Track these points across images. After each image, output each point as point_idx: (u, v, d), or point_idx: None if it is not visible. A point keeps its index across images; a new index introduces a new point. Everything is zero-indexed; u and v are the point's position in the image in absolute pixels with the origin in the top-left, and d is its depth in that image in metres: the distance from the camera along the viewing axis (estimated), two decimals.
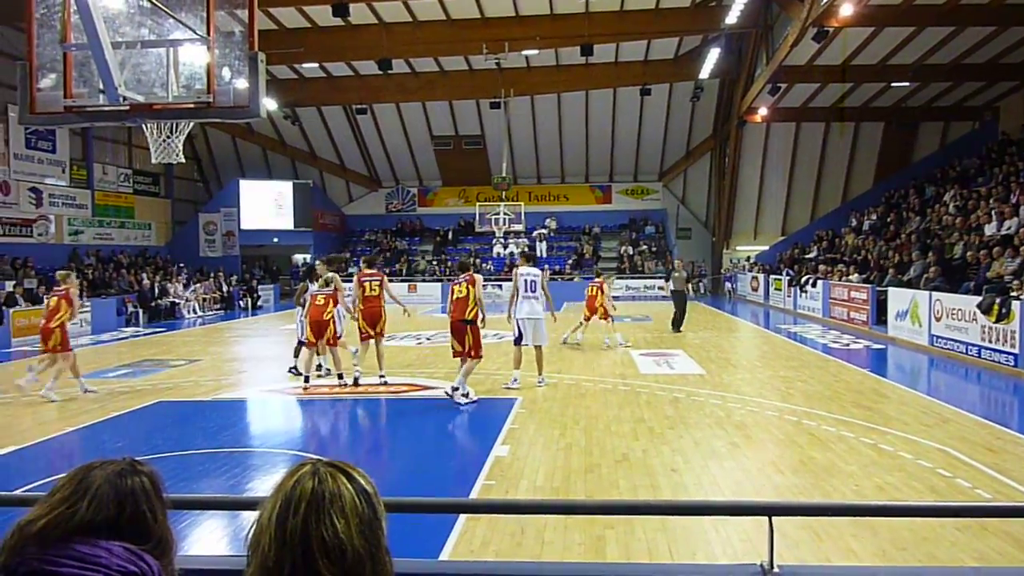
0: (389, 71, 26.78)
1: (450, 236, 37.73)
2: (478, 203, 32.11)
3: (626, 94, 31.33)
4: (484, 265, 35.07)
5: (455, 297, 10.77)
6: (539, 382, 11.40)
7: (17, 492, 6.18)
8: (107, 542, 1.34)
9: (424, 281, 34.06)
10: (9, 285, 20.21)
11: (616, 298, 31.28)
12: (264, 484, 7.09)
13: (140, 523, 1.41)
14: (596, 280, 16.75)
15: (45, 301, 11.21)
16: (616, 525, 5.32)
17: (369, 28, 24.83)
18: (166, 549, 1.44)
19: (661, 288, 19.80)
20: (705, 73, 28.01)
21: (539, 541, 5.14)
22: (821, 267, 23.82)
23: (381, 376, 11.56)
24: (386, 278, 12.07)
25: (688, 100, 31.65)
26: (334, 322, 11.53)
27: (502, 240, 31.57)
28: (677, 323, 18.96)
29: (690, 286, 34.02)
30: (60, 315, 10.93)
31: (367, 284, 11.66)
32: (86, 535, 1.34)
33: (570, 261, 35.60)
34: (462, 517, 5.44)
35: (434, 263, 35.91)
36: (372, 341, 11.66)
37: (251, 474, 7.36)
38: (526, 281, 11.50)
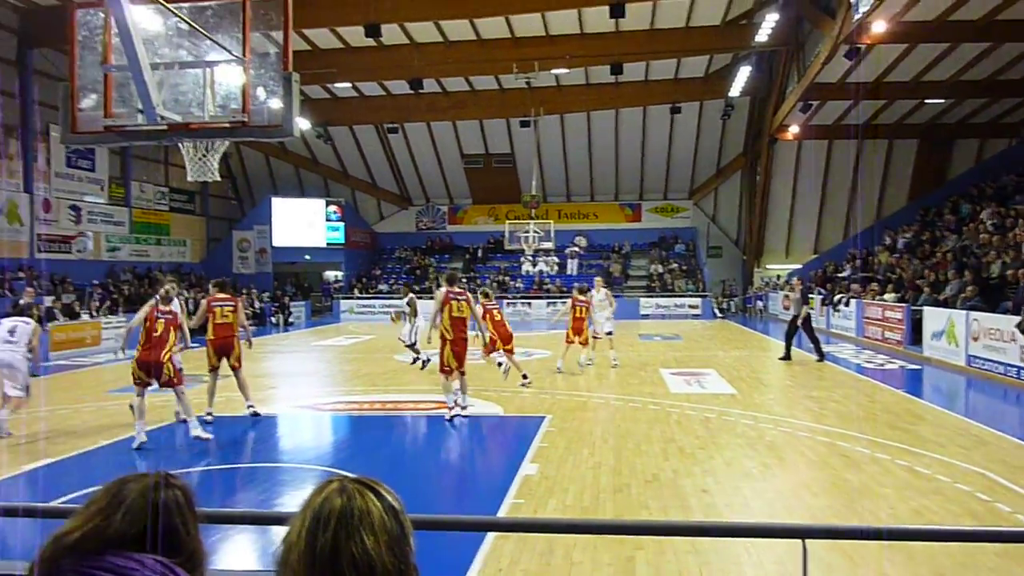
0: (420, 90, 27.06)
1: (480, 254, 37.84)
2: (508, 221, 32.20)
3: (656, 112, 31.34)
4: (513, 283, 35.11)
5: (456, 315, 10.38)
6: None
7: (53, 504, 6.27)
8: (140, 554, 1.36)
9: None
10: (48, 300, 20.60)
11: (645, 316, 31.36)
12: (293, 499, 7.12)
13: (172, 536, 1.43)
14: (582, 298, 15.04)
15: (143, 324, 9.17)
16: (646, 546, 5.27)
17: (400, 48, 25.11)
18: (198, 563, 1.45)
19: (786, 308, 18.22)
20: (736, 91, 27.92)
21: (568, 561, 5.10)
22: (854, 286, 23.51)
23: (250, 407, 10.61)
24: (241, 304, 10.82)
25: (719, 118, 31.55)
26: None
27: (531, 258, 31.60)
28: (788, 349, 16.75)
29: (729, 303, 34.12)
30: (171, 345, 9.24)
31: (218, 310, 10.50)
32: (120, 547, 1.36)
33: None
34: (490, 535, 5.42)
35: (464, 281, 36.01)
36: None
37: (280, 489, 7.40)
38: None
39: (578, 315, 14.94)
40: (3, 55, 22.32)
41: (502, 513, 6.23)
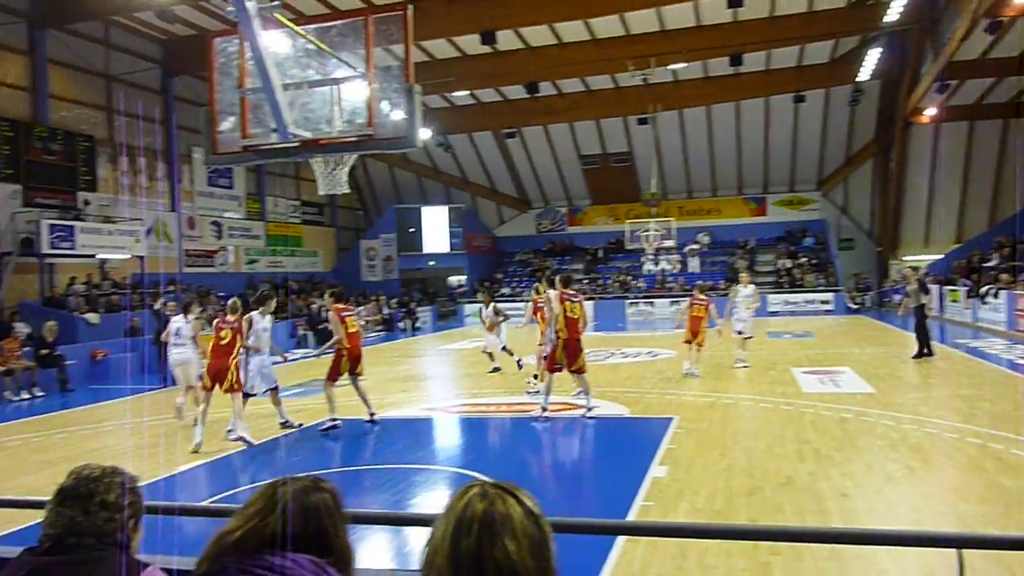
0: (536, 94, 27.23)
1: (600, 254, 37.67)
2: (628, 220, 31.92)
3: (779, 102, 30.30)
4: (635, 283, 34.76)
5: (569, 315, 10.50)
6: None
7: (203, 503, 6.68)
8: (295, 554, 1.44)
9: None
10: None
11: (774, 313, 30.29)
12: (426, 500, 7.31)
13: (323, 537, 1.51)
14: (701, 297, 14.36)
15: (214, 333, 10.13)
16: (783, 551, 5.09)
17: (516, 53, 25.34)
18: (347, 562, 1.52)
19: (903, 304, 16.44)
20: (864, 75, 26.63)
21: (701, 565, 5.00)
22: (1003, 276, 21.95)
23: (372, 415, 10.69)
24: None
25: (847, 104, 30.16)
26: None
27: (653, 257, 31.20)
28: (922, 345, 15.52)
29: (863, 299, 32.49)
30: (236, 352, 10.03)
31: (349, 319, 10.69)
32: (276, 547, 1.45)
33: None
34: (621, 538, 5.38)
35: (585, 281, 35.97)
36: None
37: (414, 490, 7.60)
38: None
39: (695, 314, 14.15)
40: (149, 85, 23.96)
41: (631, 516, 6.18)
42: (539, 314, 12.78)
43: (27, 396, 15.17)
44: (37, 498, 4.19)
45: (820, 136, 32.62)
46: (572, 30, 24.25)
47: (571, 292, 10.75)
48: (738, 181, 36.00)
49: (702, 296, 14.47)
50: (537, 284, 14.67)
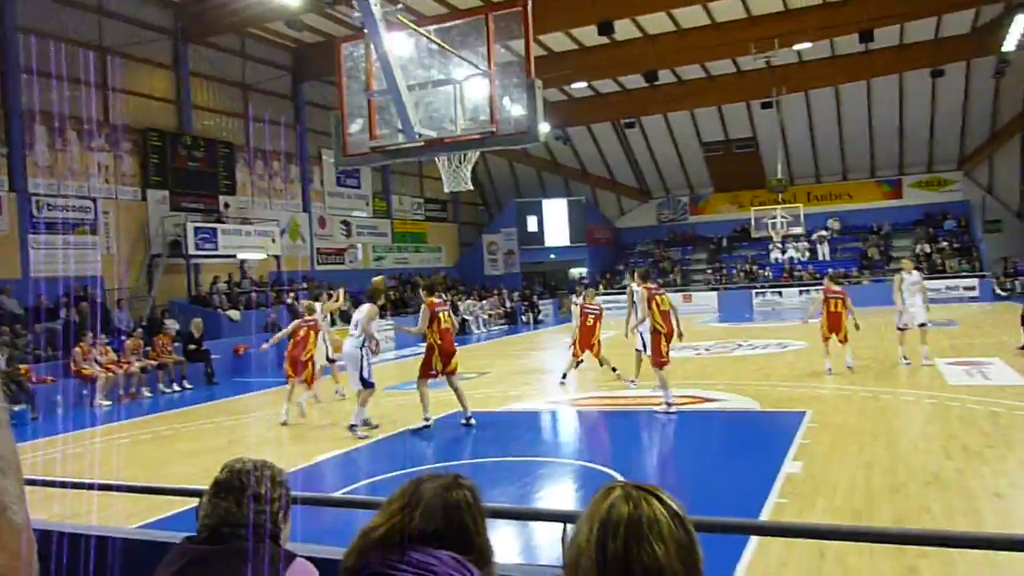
0: (655, 83, 26.76)
1: (724, 243, 36.75)
2: (752, 208, 30.97)
3: (914, 78, 28.61)
4: (762, 272, 33.70)
5: (663, 308, 10.61)
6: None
7: (337, 494, 6.94)
8: (437, 551, 1.47)
9: (700, 291, 33.46)
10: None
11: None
12: (552, 494, 7.34)
13: (464, 534, 1.53)
14: (835, 288, 13.25)
15: (294, 330, 11.60)
16: (931, 555, 4.80)
17: (634, 42, 24.98)
18: (487, 559, 1.54)
19: None
20: (1011, 45, 24.67)
21: (841, 566, 4.79)
22: None
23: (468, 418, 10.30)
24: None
25: (990, 76, 28.12)
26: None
27: (780, 245, 30.19)
28: None
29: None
30: (310, 348, 11.43)
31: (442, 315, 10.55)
32: (419, 543, 1.48)
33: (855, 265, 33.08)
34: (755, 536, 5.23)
35: (709, 272, 35.19)
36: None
37: (540, 484, 7.65)
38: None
39: (833, 309, 12.96)
40: (281, 91, 25.10)
41: (765, 513, 5.99)
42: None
43: (177, 388, 16.25)
44: (188, 487, 4.47)
45: (961, 112, 30.58)
46: (691, 16, 23.68)
47: (653, 287, 10.88)
48: (870, 163, 34.27)
49: (836, 287, 13.44)
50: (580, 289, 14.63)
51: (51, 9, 17.95)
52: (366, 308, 10.43)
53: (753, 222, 29.93)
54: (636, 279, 11.33)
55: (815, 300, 14.05)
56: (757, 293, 32.12)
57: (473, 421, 10.20)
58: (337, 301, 14.28)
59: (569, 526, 3.28)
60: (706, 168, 35.97)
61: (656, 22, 24.06)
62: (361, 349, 10.11)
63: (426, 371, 10.17)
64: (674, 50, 25.16)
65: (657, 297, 10.61)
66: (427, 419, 10.08)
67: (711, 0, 22.03)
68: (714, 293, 32.66)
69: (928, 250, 32.12)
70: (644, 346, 11.71)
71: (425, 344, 10.35)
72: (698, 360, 16.04)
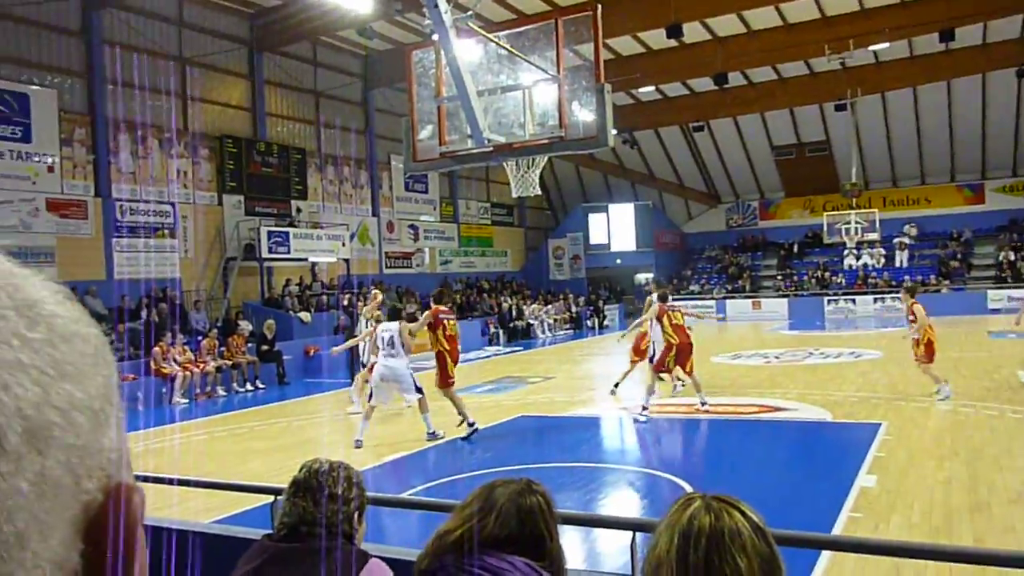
0: (725, 85, 26.35)
1: (795, 249, 35.93)
2: (825, 213, 30.14)
3: (998, 78, 27.51)
4: (834, 278, 32.82)
5: (676, 322, 11.31)
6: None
7: (404, 495, 7.02)
8: (511, 556, 1.47)
9: (769, 297, 32.81)
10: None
11: (995, 311, 27.51)
12: (616, 501, 7.29)
13: (538, 540, 1.53)
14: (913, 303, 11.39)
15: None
16: None
17: (703, 45, 24.68)
18: (559, 566, 1.53)
19: None
20: None
21: None
22: None
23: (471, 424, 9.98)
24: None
25: None
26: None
27: (855, 251, 29.37)
28: None
29: None
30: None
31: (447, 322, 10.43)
32: (493, 548, 1.48)
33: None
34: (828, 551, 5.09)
35: (779, 278, 34.46)
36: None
37: (605, 490, 7.60)
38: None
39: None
40: (351, 98, 25.58)
41: (838, 527, 5.83)
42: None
43: (251, 388, 16.67)
44: (264, 484, 4.57)
45: None
46: (761, 17, 23.28)
47: (666, 305, 11.57)
48: (951, 167, 33.08)
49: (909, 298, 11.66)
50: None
51: (134, 22, 18.67)
52: (397, 326, 10.21)
53: (826, 227, 29.16)
54: (655, 295, 11.99)
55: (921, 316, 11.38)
56: (829, 300, 31.31)
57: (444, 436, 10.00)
58: (375, 300, 13.58)
59: (639, 535, 3.25)
60: (776, 172, 35.25)
61: (726, 24, 23.74)
62: (408, 367, 9.99)
63: (446, 379, 10.13)
64: (744, 52, 24.78)
65: (669, 313, 11.39)
66: (471, 423, 9.81)
67: (783, 1, 21.61)
68: (784, 300, 31.97)
69: (1012, 257, 30.83)
70: (652, 356, 11.98)
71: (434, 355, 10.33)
72: (768, 368, 15.72)
